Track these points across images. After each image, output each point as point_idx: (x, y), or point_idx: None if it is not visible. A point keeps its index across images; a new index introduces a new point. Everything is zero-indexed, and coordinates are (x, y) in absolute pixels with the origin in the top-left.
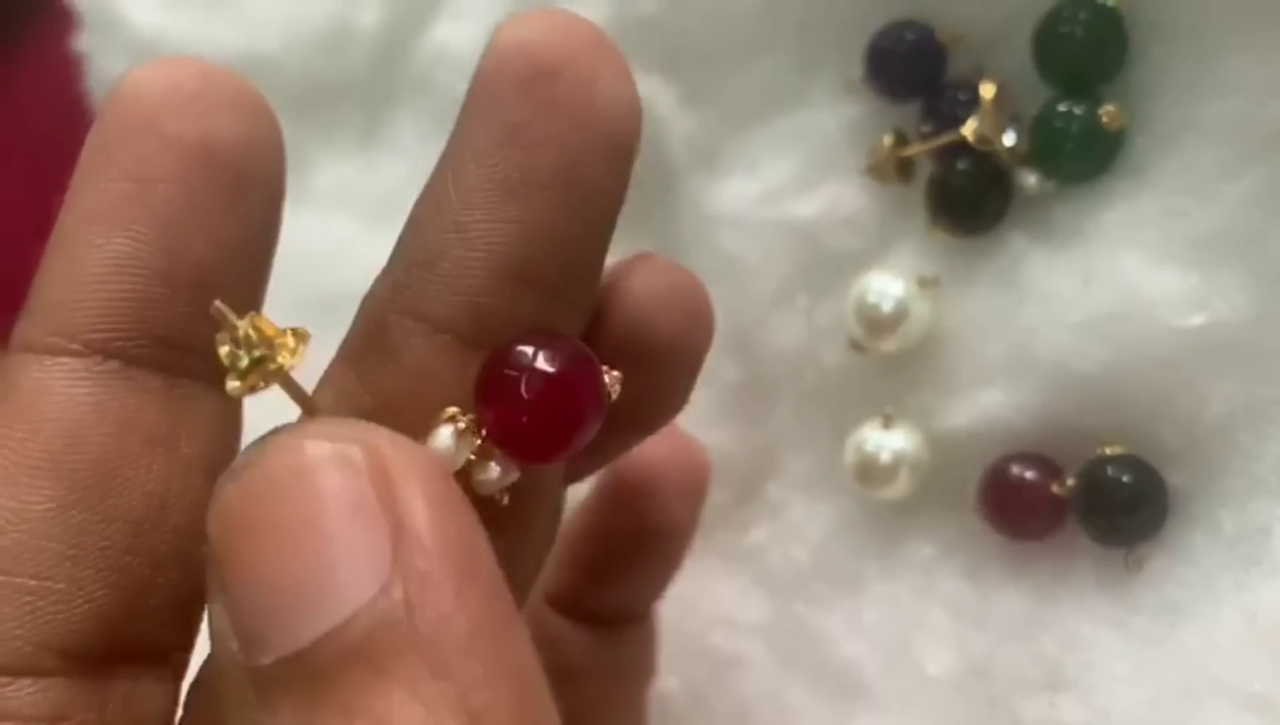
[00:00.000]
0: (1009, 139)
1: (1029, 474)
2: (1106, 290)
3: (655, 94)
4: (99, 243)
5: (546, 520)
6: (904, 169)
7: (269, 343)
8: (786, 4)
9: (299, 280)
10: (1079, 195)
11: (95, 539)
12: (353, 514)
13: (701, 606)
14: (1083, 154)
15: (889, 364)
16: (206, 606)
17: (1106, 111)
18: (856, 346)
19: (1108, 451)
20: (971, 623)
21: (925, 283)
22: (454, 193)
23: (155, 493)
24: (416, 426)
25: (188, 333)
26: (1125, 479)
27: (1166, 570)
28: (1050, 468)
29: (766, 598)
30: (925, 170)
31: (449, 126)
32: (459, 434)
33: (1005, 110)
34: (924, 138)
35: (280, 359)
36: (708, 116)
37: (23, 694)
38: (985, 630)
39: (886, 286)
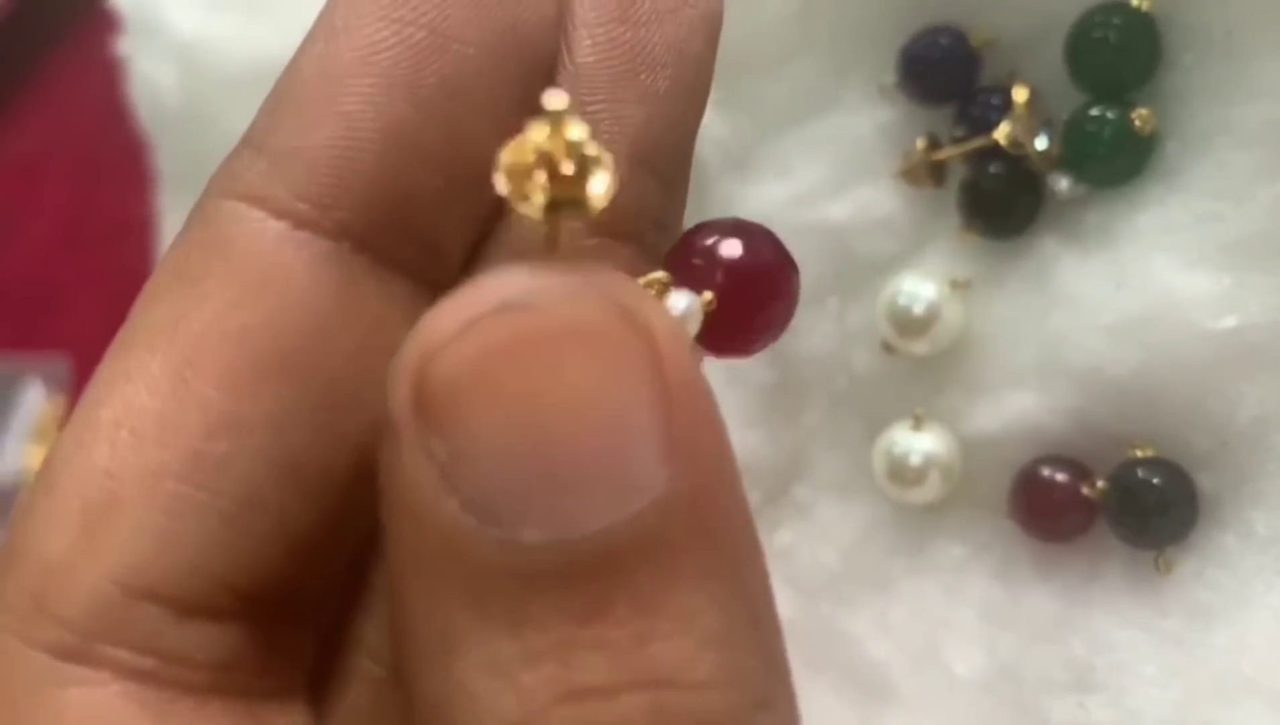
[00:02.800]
0: (1041, 143)
1: (1060, 476)
2: (1138, 293)
3: None
4: (371, 96)
5: None
6: (936, 173)
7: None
8: (820, 9)
9: None
10: (1111, 199)
11: (314, 467)
12: (639, 388)
13: None
14: (1114, 158)
15: (920, 366)
16: (388, 475)
17: (1139, 115)
18: (888, 348)
19: (1138, 454)
20: (1001, 624)
21: (957, 285)
22: (565, 75)
23: None
24: None
25: (454, 241)
26: (1156, 482)
27: (1197, 573)
28: (1081, 470)
29: (795, 597)
30: (958, 174)
31: None
32: (695, 303)
33: (1038, 115)
34: (956, 142)
35: (591, 191)
36: (741, 120)
37: (192, 636)
38: (1015, 632)
39: (918, 289)
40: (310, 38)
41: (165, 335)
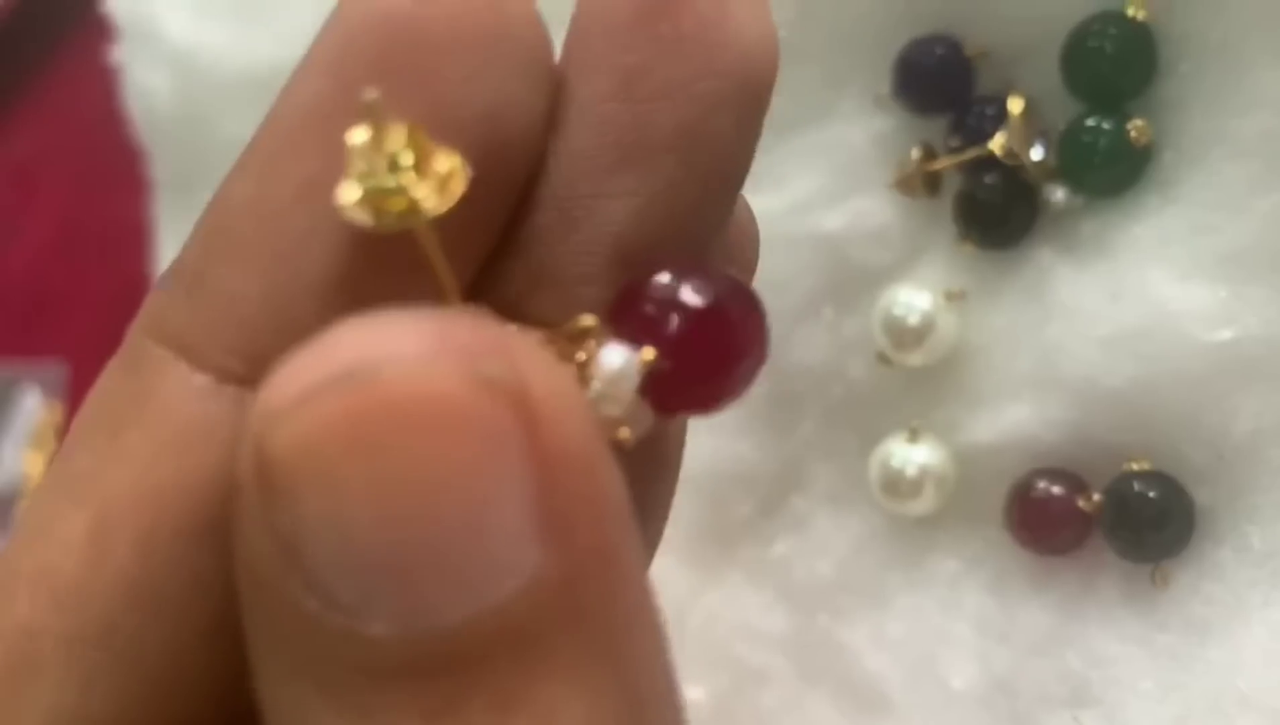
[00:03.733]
0: (1036, 154)
1: (1056, 489)
2: (1134, 305)
3: None
4: (312, 236)
5: (674, 465)
6: (932, 183)
7: (423, 168)
8: (816, 18)
9: None
10: (1106, 210)
11: (239, 628)
12: (504, 464)
13: (725, 618)
14: (1110, 169)
15: (915, 378)
16: (236, 539)
17: (1134, 126)
18: (883, 360)
19: (1134, 467)
20: (996, 638)
21: (952, 296)
22: (552, 163)
23: None
24: None
25: None
26: (1152, 495)
27: (1193, 587)
28: (1077, 483)
29: (791, 610)
30: (953, 184)
31: None
32: (632, 359)
33: (1033, 125)
34: (952, 152)
35: (420, 196)
36: None
37: None
38: (1010, 645)
39: (913, 300)
40: (241, 165)
41: (85, 489)
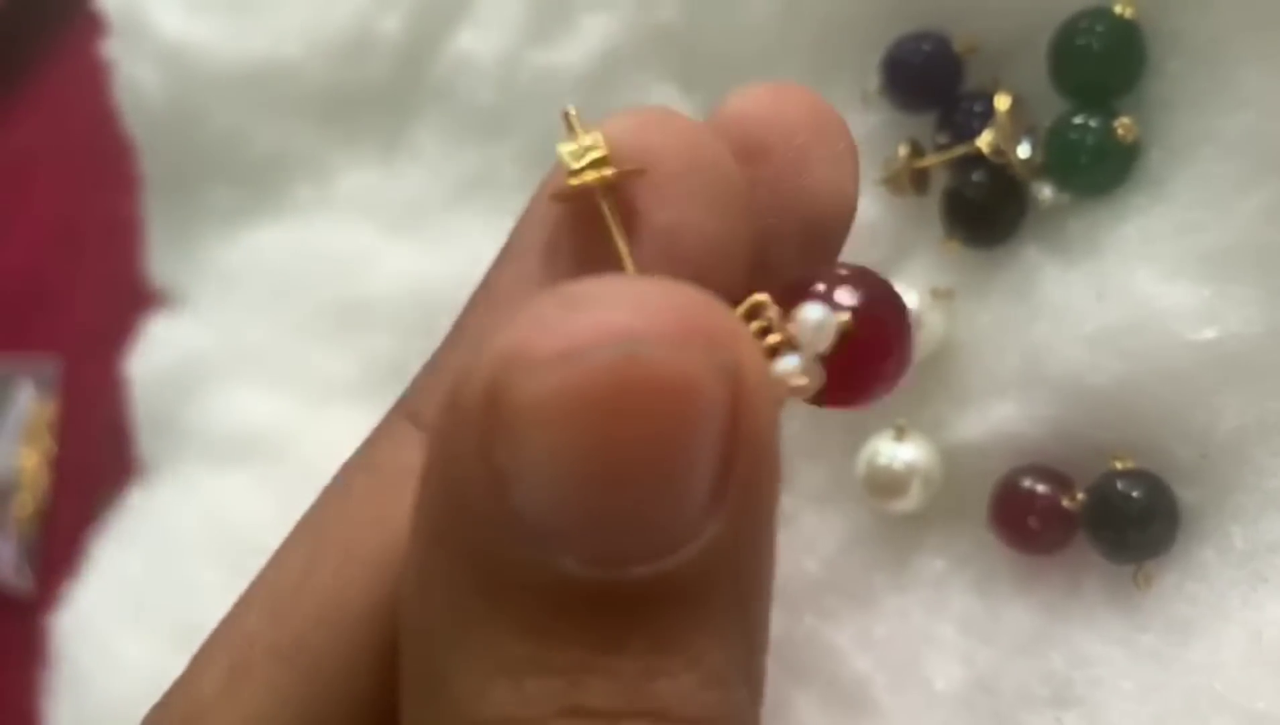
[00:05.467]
0: (1024, 151)
1: (1040, 487)
2: (1119, 303)
3: (672, 103)
4: None
5: None
6: (919, 180)
7: (610, 150)
8: (804, 15)
9: (319, 286)
10: (1093, 208)
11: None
12: (711, 446)
13: None
14: (1097, 167)
15: None
16: (438, 443)
17: (1121, 124)
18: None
19: (1118, 466)
20: (980, 638)
21: (939, 294)
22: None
23: None
24: None
25: None
26: (1135, 494)
27: (1177, 587)
28: (1061, 481)
29: (778, 610)
30: (941, 182)
31: (470, 135)
32: (808, 363)
33: (1021, 122)
34: (939, 149)
35: (607, 172)
36: None
37: None
38: (994, 646)
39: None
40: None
41: (311, 517)
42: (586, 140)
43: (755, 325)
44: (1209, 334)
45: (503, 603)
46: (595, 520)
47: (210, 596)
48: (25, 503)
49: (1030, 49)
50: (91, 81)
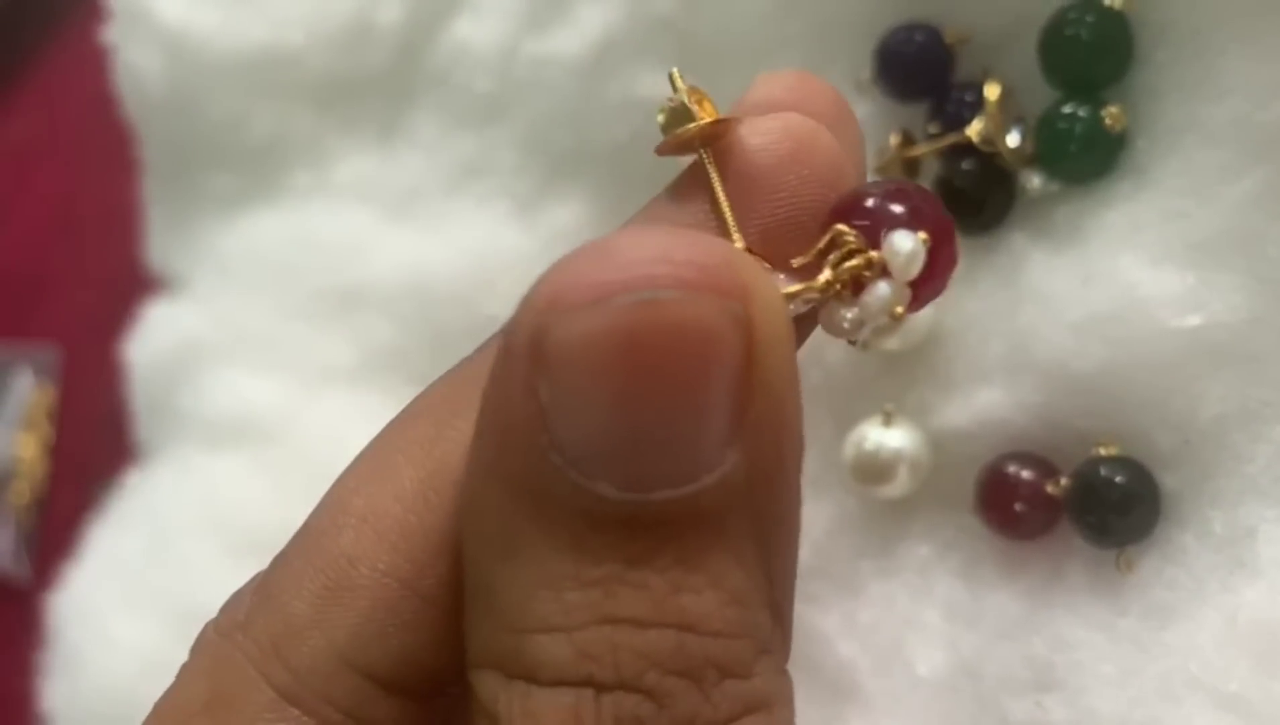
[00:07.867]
0: (1013, 140)
1: (1025, 473)
2: (1105, 290)
3: (667, 92)
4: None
5: None
6: (910, 169)
7: (699, 105)
8: (798, 5)
9: (317, 272)
10: (1080, 196)
11: None
12: (728, 384)
13: None
14: (1086, 156)
15: (891, 362)
16: (493, 383)
17: (1109, 113)
18: (859, 344)
19: (1102, 452)
20: (964, 623)
21: None
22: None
23: None
24: None
25: None
26: (1118, 480)
27: (1157, 572)
28: (1046, 467)
29: None
30: (932, 170)
31: (468, 122)
32: (901, 289)
33: (1011, 111)
34: (930, 138)
35: (699, 119)
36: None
37: (387, 709)
38: (977, 631)
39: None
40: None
41: (421, 452)
42: (687, 96)
43: (835, 255)
44: (1193, 321)
45: (546, 524)
46: (624, 448)
47: (206, 579)
48: (23, 491)
49: (1020, 40)
50: (91, 67)
